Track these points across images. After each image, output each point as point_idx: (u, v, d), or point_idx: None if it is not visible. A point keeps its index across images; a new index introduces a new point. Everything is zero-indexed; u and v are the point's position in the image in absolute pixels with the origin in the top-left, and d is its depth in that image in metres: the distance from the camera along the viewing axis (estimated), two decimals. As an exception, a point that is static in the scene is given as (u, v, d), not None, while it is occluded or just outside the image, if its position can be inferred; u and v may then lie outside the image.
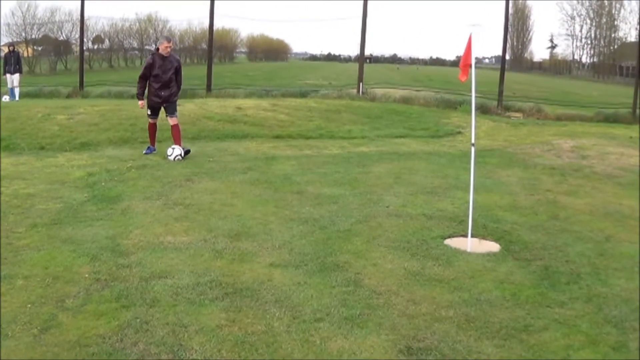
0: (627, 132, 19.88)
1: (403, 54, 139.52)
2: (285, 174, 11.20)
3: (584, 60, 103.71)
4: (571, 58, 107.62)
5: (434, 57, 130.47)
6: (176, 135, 12.77)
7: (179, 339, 5.00)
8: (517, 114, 23.17)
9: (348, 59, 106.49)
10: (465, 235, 8.03)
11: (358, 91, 23.37)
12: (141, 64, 55.68)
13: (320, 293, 6.05)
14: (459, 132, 17.88)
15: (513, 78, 55.17)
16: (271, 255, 7.02)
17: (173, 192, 9.58)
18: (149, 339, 4.97)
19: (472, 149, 8.34)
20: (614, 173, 13.15)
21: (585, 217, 9.53)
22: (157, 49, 12.84)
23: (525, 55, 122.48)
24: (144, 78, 12.68)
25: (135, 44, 61.13)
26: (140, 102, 12.80)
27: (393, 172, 11.77)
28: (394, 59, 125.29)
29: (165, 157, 12.25)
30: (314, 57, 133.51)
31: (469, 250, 7.68)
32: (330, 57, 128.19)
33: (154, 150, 12.93)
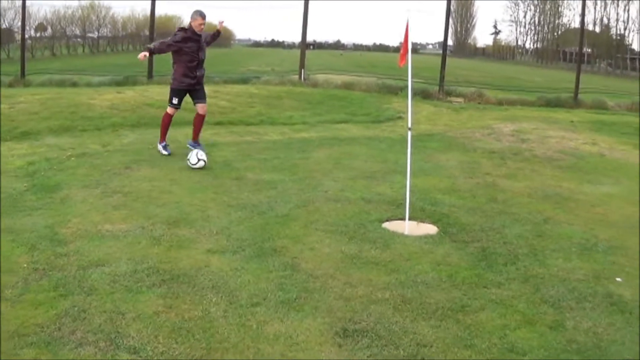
0: (569, 116, 20.19)
1: (347, 40, 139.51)
2: (225, 160, 11.24)
3: (527, 46, 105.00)
4: (515, 44, 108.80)
5: (378, 43, 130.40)
6: (198, 127, 12.18)
7: (116, 326, 5.04)
8: (459, 99, 23.31)
9: (292, 46, 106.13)
10: (403, 219, 8.15)
11: (300, 77, 23.39)
12: (83, 51, 55.10)
13: (257, 278, 6.14)
14: (400, 117, 17.94)
15: (456, 64, 55.54)
16: (209, 242, 7.08)
17: (112, 180, 9.54)
18: (87, 327, 5.00)
19: (409, 133, 8.50)
20: (554, 156, 13.41)
21: (524, 199, 9.76)
22: (190, 25, 11.64)
23: (469, 41, 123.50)
24: (165, 45, 11.60)
25: (77, 32, 60.29)
26: (142, 54, 11.34)
27: (333, 157, 11.87)
28: (338, 45, 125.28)
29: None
30: (257, 44, 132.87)
31: (406, 233, 7.81)
32: (274, 44, 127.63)
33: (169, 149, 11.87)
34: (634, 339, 5.38)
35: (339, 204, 8.80)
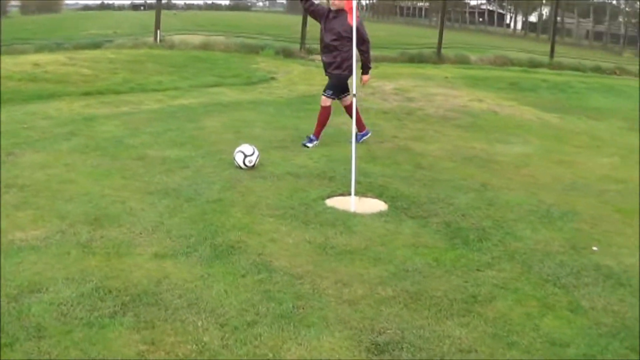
0: (439, 72, 20.37)
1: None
2: (114, 137, 9.68)
3: (362, 2, 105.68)
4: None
5: (209, 2, 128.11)
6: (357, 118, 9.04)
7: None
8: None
9: (122, 7, 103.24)
10: (343, 194, 7.41)
11: (155, 39, 22.01)
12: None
13: (233, 286, 4.95)
14: (272, 78, 17.18)
15: (290, 21, 54.95)
16: (150, 243, 5.71)
17: (-3, 170, 7.67)
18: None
19: (354, 99, 7.60)
20: (448, 115, 13.25)
21: (447, 163, 9.31)
22: None
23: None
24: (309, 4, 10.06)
25: None
26: None
27: (229, 126, 10.78)
28: (169, 6, 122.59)
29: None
30: (87, 7, 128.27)
31: (355, 210, 6.98)
32: (103, 6, 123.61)
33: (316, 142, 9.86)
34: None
35: (268, 182, 7.74)
